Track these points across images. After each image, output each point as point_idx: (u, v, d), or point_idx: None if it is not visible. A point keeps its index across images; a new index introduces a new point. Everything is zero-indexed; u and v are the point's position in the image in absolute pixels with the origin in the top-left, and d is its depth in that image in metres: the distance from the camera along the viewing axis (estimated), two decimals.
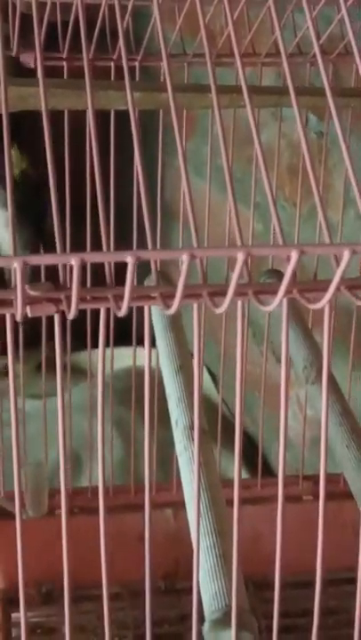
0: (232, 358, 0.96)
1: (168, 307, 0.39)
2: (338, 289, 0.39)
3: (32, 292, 0.39)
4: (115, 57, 0.79)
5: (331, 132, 0.83)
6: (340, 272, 0.36)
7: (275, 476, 1.21)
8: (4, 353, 0.45)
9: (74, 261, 0.35)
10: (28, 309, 0.39)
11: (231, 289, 0.37)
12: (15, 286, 0.37)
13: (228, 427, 0.95)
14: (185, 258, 0.35)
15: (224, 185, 0.43)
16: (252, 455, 1.06)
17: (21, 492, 0.90)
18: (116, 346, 0.93)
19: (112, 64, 0.79)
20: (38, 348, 0.92)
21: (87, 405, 0.96)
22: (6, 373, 0.43)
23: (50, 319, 0.40)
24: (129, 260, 0.35)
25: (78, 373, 1.20)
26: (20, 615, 0.47)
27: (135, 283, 0.37)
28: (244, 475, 1.27)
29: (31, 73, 0.77)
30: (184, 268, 0.35)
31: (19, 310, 0.37)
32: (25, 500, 0.91)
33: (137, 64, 0.81)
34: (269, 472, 1.14)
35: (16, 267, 0.35)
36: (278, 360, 1.13)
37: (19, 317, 0.38)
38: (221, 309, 0.38)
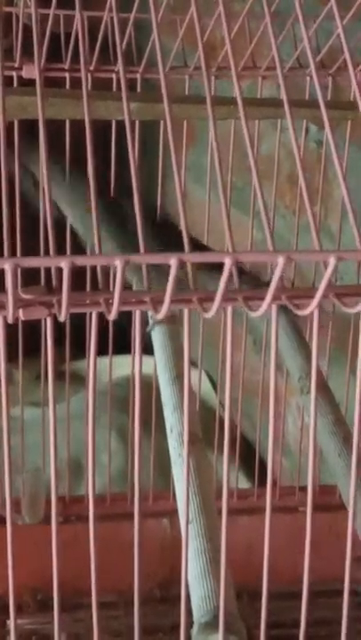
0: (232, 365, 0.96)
1: (158, 311, 0.39)
2: (326, 296, 0.39)
3: (25, 296, 0.39)
4: (117, 68, 0.80)
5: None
6: (327, 278, 0.37)
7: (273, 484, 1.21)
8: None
9: (64, 264, 0.35)
10: (20, 312, 0.39)
11: (219, 294, 0.38)
12: (7, 289, 0.37)
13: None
14: (173, 262, 0.35)
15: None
16: (252, 463, 1.06)
17: (16, 498, 0.91)
18: (116, 354, 0.93)
19: (114, 76, 0.80)
20: (39, 357, 0.93)
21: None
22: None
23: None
24: (117, 263, 0.35)
25: (78, 381, 1.20)
26: (10, 622, 0.48)
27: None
28: (244, 483, 1.26)
29: (34, 84, 0.77)
30: (172, 272, 0.35)
31: (10, 313, 0.38)
32: (22, 505, 0.91)
33: (138, 76, 0.82)
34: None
35: (7, 269, 0.36)
36: (276, 368, 1.12)
37: (10, 320, 0.38)
38: (210, 314, 0.39)
